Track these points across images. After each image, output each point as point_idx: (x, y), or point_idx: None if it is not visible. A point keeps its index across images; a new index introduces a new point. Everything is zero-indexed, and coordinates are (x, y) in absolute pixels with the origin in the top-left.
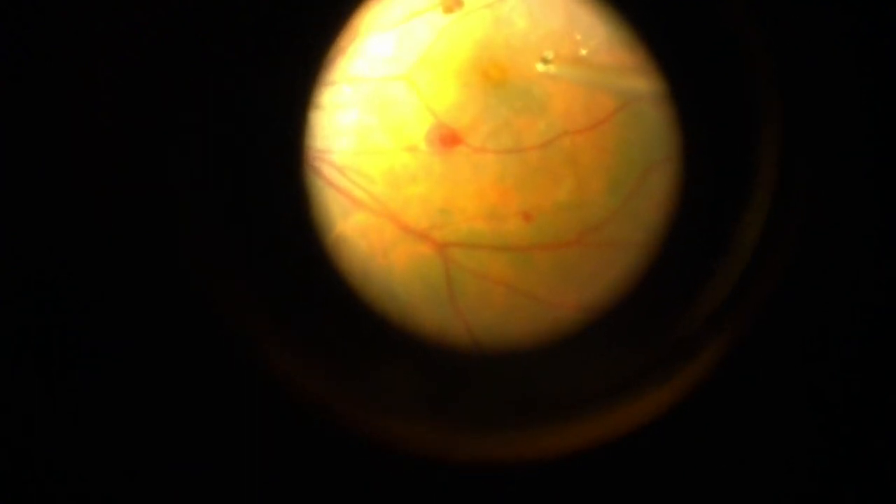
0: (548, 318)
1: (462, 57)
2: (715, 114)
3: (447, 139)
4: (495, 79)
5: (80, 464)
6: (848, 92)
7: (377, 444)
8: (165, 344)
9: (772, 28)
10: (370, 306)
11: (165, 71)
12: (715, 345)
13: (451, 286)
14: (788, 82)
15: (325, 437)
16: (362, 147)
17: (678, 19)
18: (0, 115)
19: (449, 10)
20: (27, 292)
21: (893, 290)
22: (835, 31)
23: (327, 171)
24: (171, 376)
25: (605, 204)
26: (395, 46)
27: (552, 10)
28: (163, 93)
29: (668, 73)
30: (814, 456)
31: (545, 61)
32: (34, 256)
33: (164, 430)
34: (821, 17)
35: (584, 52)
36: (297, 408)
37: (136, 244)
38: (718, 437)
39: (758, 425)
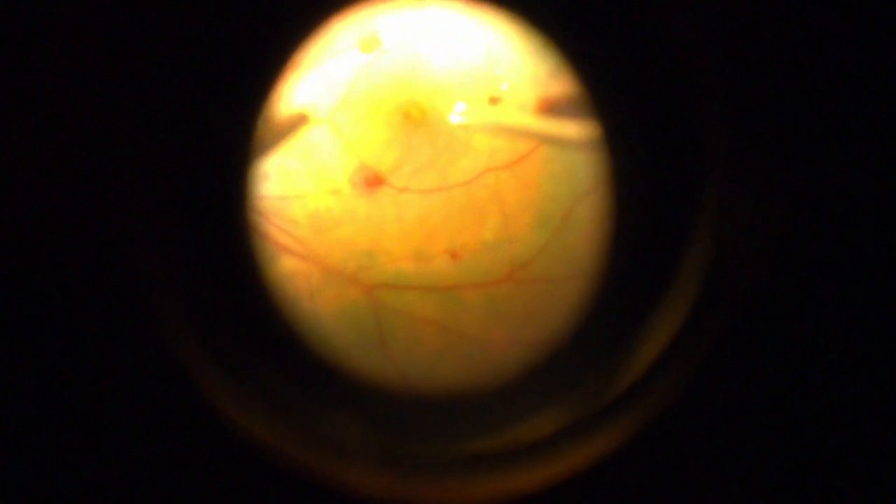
0: (481, 358)
1: (382, 97)
2: (643, 142)
3: (371, 181)
4: (416, 118)
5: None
6: (798, 128)
7: (328, 490)
8: (113, 388)
9: (712, 54)
10: (313, 350)
11: (103, 126)
12: (659, 383)
13: (381, 328)
14: (726, 106)
15: (275, 482)
16: (286, 191)
17: (605, 49)
18: None
19: (367, 49)
20: None
21: (848, 340)
22: (785, 76)
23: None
24: (119, 419)
25: (534, 239)
26: (313, 89)
27: (471, 48)
28: (104, 145)
29: (596, 104)
30: (765, 489)
31: (493, 101)
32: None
33: (113, 477)
34: (762, 37)
35: (504, 86)
36: (248, 453)
37: (84, 294)
38: (664, 479)
39: (703, 469)
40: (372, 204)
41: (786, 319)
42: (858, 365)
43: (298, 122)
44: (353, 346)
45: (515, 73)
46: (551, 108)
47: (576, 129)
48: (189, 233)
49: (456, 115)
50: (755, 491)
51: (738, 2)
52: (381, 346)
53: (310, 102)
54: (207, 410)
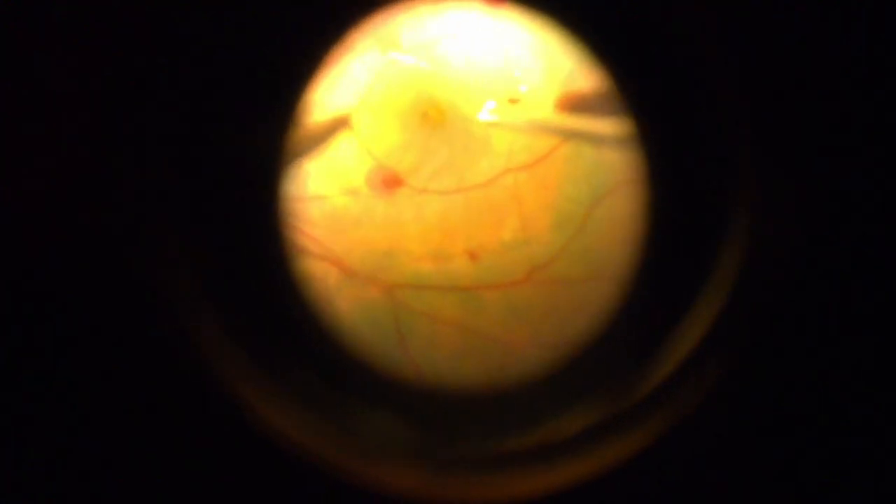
0: (500, 358)
1: (401, 99)
2: (671, 141)
3: (389, 181)
4: (435, 119)
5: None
6: (827, 126)
7: (353, 486)
8: (140, 389)
9: (739, 64)
10: (341, 348)
11: (136, 125)
12: (683, 389)
13: (401, 328)
14: (760, 111)
15: (301, 479)
16: (305, 192)
17: (631, 44)
18: None
19: (386, 51)
20: None
21: (878, 342)
22: (809, 71)
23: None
24: (147, 420)
25: (553, 241)
26: (333, 90)
27: (489, 49)
28: (131, 148)
29: (622, 100)
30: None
31: (513, 102)
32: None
33: (140, 475)
34: (790, 42)
35: (523, 88)
36: (274, 451)
37: (109, 293)
38: (688, 482)
39: (730, 468)
40: (391, 205)
41: (818, 321)
42: (887, 371)
43: (334, 126)
44: (373, 346)
45: (534, 75)
46: (573, 105)
47: (598, 126)
48: (218, 236)
49: (475, 117)
50: (782, 494)
51: None
52: (401, 346)
53: (341, 106)
54: (233, 407)
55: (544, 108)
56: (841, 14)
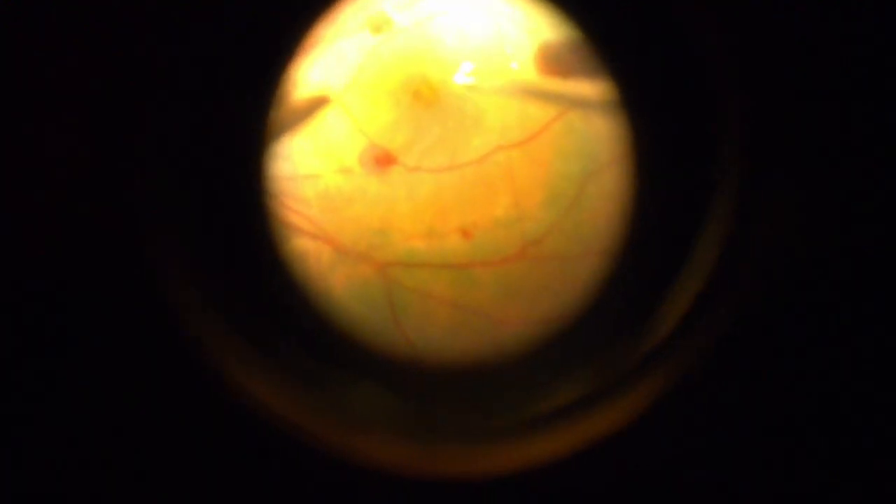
0: (494, 335)
1: (392, 77)
2: (658, 118)
3: (381, 160)
4: (427, 98)
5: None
6: (812, 95)
7: (345, 461)
8: (130, 365)
9: (726, 27)
10: (331, 326)
11: (123, 102)
12: (672, 361)
13: (394, 306)
14: (747, 85)
15: (293, 455)
16: (297, 171)
17: (622, 19)
18: None
19: (377, 30)
20: None
21: (862, 313)
22: (796, 33)
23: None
24: (136, 398)
25: (545, 217)
26: (324, 69)
27: (481, 27)
28: (121, 122)
29: (611, 77)
30: (776, 467)
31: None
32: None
33: (129, 451)
34: (779, 19)
35: (514, 65)
36: (263, 426)
37: (99, 272)
38: (677, 451)
39: (719, 440)
40: (383, 183)
41: (803, 294)
42: (879, 339)
43: (316, 104)
44: (367, 324)
45: (525, 52)
46: (555, 64)
47: (584, 90)
48: (205, 213)
49: (465, 93)
50: (768, 467)
51: None
52: (394, 324)
53: (325, 84)
54: (222, 383)
55: (530, 74)
56: None
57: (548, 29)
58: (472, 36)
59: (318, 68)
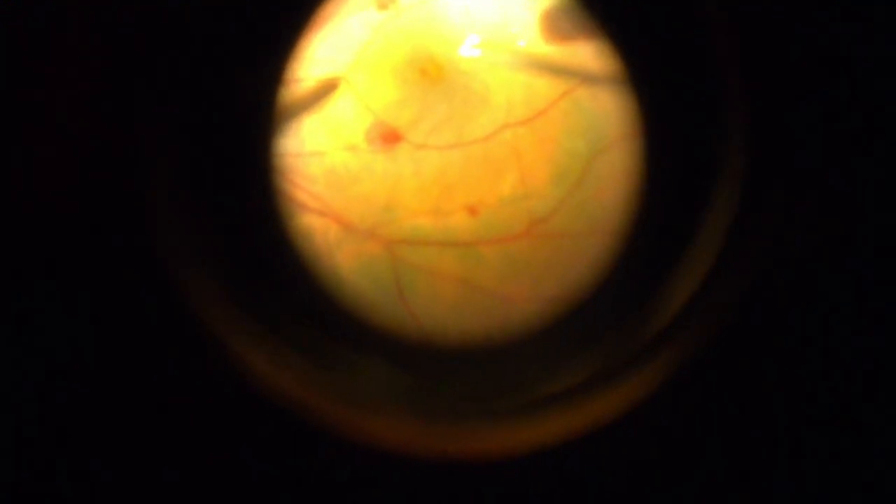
0: (500, 313)
1: (399, 54)
2: (666, 95)
3: (388, 137)
4: (433, 75)
5: (43, 464)
6: (819, 75)
7: (349, 440)
8: (138, 344)
9: (735, 8)
10: (337, 303)
11: (129, 79)
12: (679, 342)
13: (400, 283)
14: (753, 63)
15: (299, 434)
16: (303, 148)
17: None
18: None
19: (383, 7)
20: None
21: (869, 293)
22: (801, 15)
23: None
24: (144, 376)
25: (552, 195)
26: (330, 46)
27: (487, 4)
28: (127, 101)
29: (618, 53)
30: (785, 454)
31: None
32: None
33: (135, 431)
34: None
35: (521, 43)
36: (270, 405)
37: (107, 250)
38: (683, 434)
39: (727, 420)
40: (389, 160)
41: (810, 275)
42: (880, 324)
43: (326, 89)
44: (373, 301)
45: (531, 29)
46: (568, 39)
47: (598, 67)
48: (212, 191)
49: (472, 70)
50: (772, 451)
51: None
52: (401, 301)
53: (334, 68)
54: (228, 361)
55: (537, 50)
56: None
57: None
58: (477, 12)
59: (325, 46)
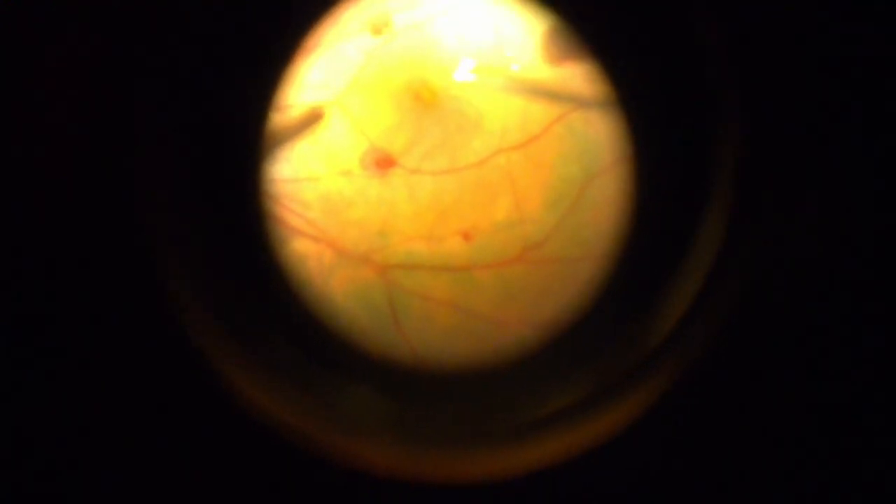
0: (494, 338)
1: (393, 79)
2: (658, 119)
3: (382, 162)
4: (427, 100)
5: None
6: (808, 94)
7: (339, 465)
8: (128, 368)
9: (727, 28)
10: (328, 328)
11: (123, 99)
12: (672, 362)
13: (394, 308)
14: (746, 87)
15: (291, 459)
16: (297, 174)
17: (621, 22)
18: None
19: (377, 32)
20: None
21: (861, 309)
22: (794, 33)
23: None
24: (134, 399)
25: (546, 220)
26: (324, 71)
27: (481, 29)
28: (120, 125)
29: (610, 79)
30: (776, 470)
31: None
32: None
33: (123, 453)
34: (778, 17)
35: (515, 67)
36: (261, 430)
37: (99, 273)
38: (676, 454)
39: (716, 440)
40: (383, 185)
41: (800, 295)
42: (876, 337)
43: (313, 117)
44: (367, 326)
45: (525, 54)
46: (568, 80)
47: (591, 93)
48: (205, 216)
49: (466, 95)
50: (768, 469)
51: None
52: (395, 326)
53: (328, 93)
54: (219, 385)
55: (530, 76)
56: None
57: (546, 33)
58: (471, 37)
59: (319, 71)
